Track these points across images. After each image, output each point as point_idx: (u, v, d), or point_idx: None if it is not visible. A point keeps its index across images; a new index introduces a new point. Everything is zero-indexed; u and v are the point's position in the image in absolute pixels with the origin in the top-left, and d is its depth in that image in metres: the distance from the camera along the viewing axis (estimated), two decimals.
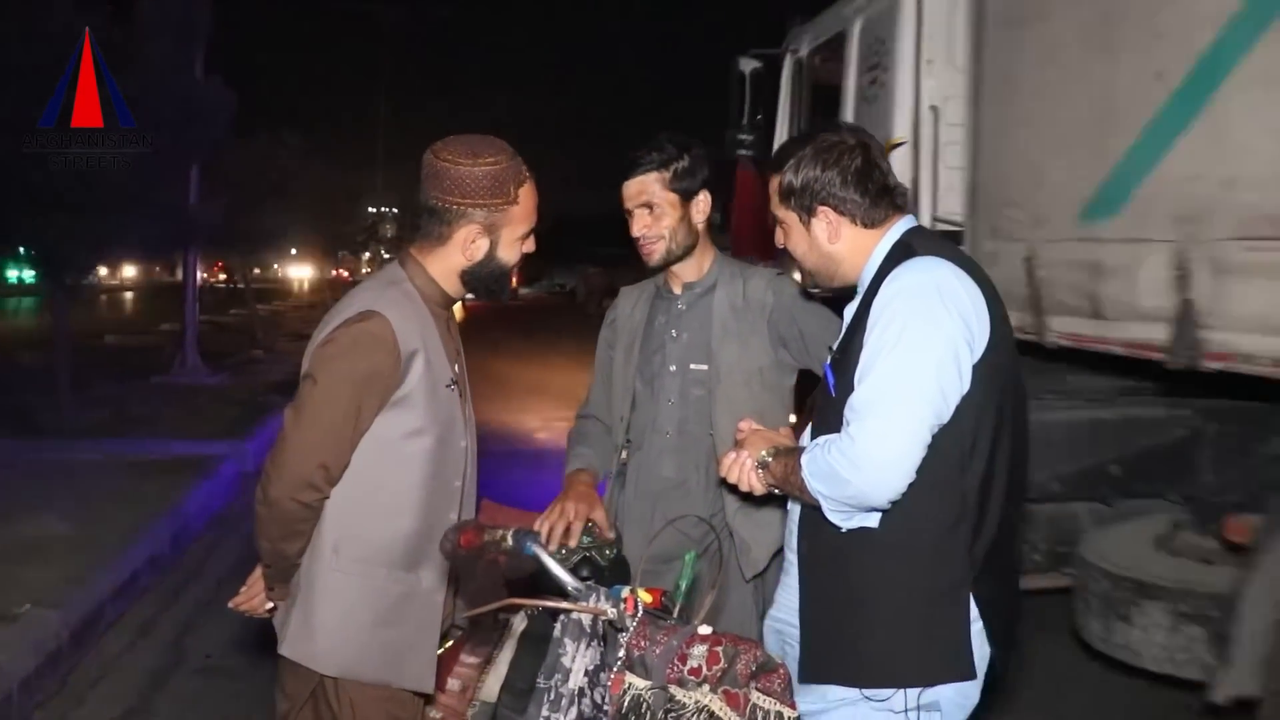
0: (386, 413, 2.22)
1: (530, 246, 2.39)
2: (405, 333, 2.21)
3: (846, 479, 1.92)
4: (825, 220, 2.16)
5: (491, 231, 2.30)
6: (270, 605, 2.41)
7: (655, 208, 2.70)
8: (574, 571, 2.18)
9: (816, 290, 2.29)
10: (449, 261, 2.34)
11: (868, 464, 1.90)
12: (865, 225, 2.16)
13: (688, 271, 2.80)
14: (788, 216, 2.22)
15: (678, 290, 2.83)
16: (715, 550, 2.65)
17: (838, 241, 2.17)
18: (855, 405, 1.95)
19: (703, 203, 2.75)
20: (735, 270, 2.81)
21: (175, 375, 14.38)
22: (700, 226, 2.76)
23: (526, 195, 2.31)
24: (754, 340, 2.73)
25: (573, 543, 2.45)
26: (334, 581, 2.25)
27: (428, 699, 2.43)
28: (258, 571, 2.43)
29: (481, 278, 2.36)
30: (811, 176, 2.15)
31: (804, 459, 2.03)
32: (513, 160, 2.29)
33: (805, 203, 2.17)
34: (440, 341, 2.33)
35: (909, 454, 1.91)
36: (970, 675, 2.04)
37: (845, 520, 2.01)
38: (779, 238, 2.27)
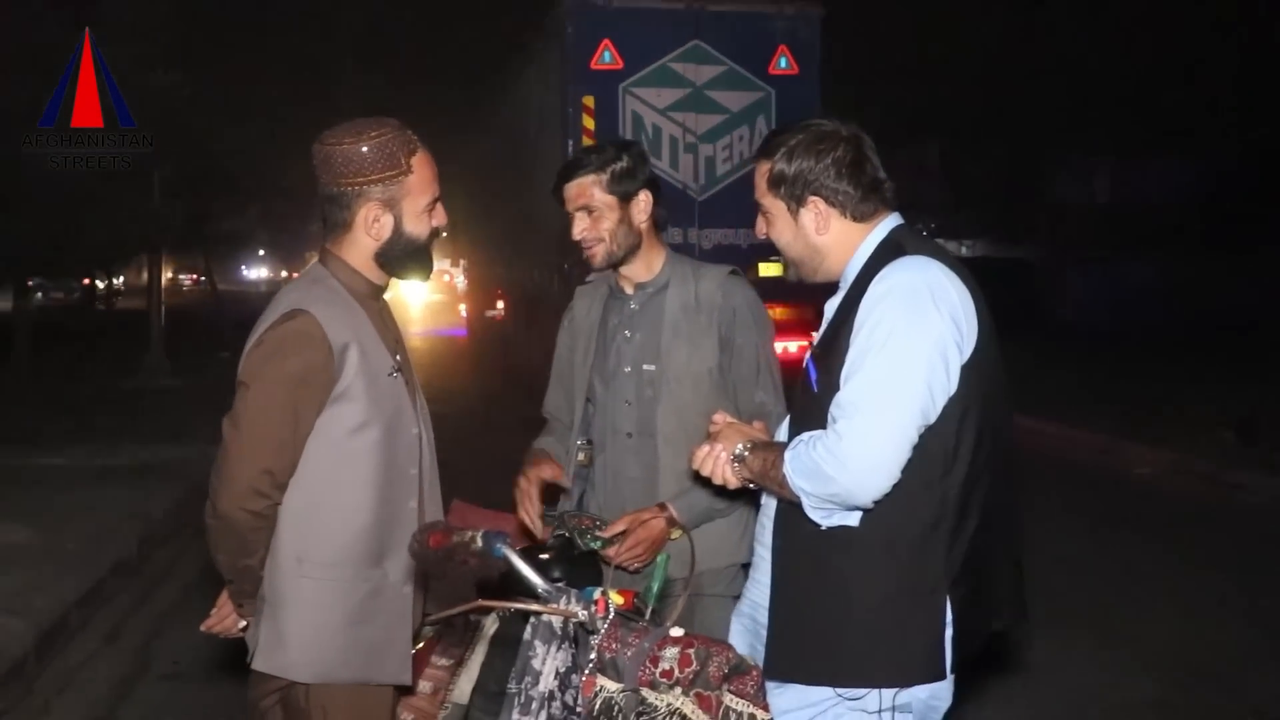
0: (328, 410, 2.19)
1: (441, 219, 2.34)
2: (334, 327, 2.18)
3: (832, 476, 1.91)
4: (814, 211, 2.13)
5: (392, 206, 2.25)
6: (243, 624, 2.37)
7: (594, 210, 2.69)
8: (545, 572, 2.16)
9: (798, 280, 2.25)
10: (360, 247, 2.29)
11: (854, 463, 1.88)
12: (854, 219, 2.13)
13: (637, 272, 2.78)
14: (774, 205, 2.18)
15: (629, 291, 2.81)
16: (688, 552, 2.63)
17: (825, 233, 2.14)
18: (843, 403, 1.94)
19: (643, 202, 2.72)
20: (688, 270, 2.80)
21: (141, 379, 14.24)
22: (643, 227, 2.73)
23: (421, 164, 2.26)
24: (705, 341, 2.72)
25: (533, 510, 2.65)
26: (300, 589, 2.21)
27: (404, 692, 2.39)
28: (226, 593, 2.38)
29: (395, 256, 2.30)
30: (805, 166, 2.11)
31: (787, 454, 2.01)
32: (400, 131, 2.24)
33: (795, 192, 2.13)
34: (375, 331, 2.29)
35: (896, 454, 1.90)
36: (943, 676, 2.03)
37: (825, 518, 2.00)
38: (760, 227, 2.24)
